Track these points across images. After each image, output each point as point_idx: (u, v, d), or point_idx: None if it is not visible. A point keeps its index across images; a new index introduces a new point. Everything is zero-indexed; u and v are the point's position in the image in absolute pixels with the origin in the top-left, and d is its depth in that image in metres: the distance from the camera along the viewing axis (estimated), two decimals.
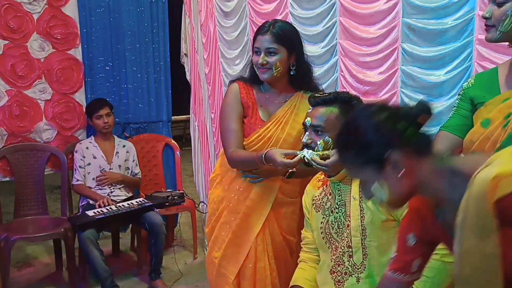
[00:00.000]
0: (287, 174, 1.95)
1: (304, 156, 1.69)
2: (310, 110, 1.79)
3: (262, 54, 1.99)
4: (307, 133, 1.75)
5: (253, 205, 2.07)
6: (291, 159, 1.78)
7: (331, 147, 1.72)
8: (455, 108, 1.59)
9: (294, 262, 2.06)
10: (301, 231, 1.98)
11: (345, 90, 2.56)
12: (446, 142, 1.54)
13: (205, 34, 3.77)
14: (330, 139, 1.71)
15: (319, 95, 1.81)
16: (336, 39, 2.53)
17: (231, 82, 2.19)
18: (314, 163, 1.67)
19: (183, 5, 4.26)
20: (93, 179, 3.46)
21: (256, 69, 2.05)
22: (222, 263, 2.13)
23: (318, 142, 1.72)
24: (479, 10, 1.89)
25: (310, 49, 2.71)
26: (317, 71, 2.70)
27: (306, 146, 1.74)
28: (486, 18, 1.39)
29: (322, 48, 2.64)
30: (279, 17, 2.91)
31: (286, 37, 2.02)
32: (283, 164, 1.81)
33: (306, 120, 1.76)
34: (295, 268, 2.04)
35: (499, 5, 1.35)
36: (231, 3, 3.34)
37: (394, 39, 2.21)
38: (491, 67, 1.74)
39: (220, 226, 2.16)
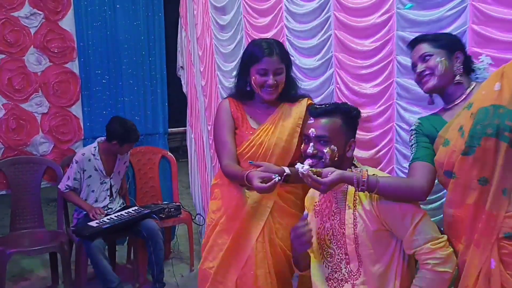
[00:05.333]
0: (283, 178, 1.98)
1: (287, 174, 1.73)
2: (311, 121, 1.81)
3: (272, 76, 2.05)
4: (311, 144, 1.76)
5: (252, 211, 2.09)
6: (286, 173, 1.85)
7: (337, 156, 1.74)
8: (414, 144, 1.74)
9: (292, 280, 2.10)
10: None
11: (340, 102, 2.59)
12: (422, 170, 1.66)
13: (201, 47, 3.80)
14: (335, 147, 1.74)
15: (319, 106, 1.84)
16: (332, 52, 2.56)
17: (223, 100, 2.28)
18: (309, 179, 1.64)
19: (179, 19, 4.30)
20: (93, 191, 3.45)
21: (258, 89, 2.09)
22: (220, 271, 2.12)
23: (325, 151, 1.73)
24: (472, 23, 1.93)
25: (306, 62, 2.75)
26: (313, 83, 2.74)
27: (312, 156, 1.75)
28: (422, 72, 1.72)
29: (317, 60, 2.67)
30: (274, 30, 2.95)
31: (286, 55, 2.14)
32: (258, 188, 1.86)
33: (309, 131, 1.78)
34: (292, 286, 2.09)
35: (427, 59, 1.72)
36: (227, 16, 3.38)
37: (389, 51, 2.25)
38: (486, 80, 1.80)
39: (217, 234, 2.16)
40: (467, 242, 1.54)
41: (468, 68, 1.75)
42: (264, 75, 2.06)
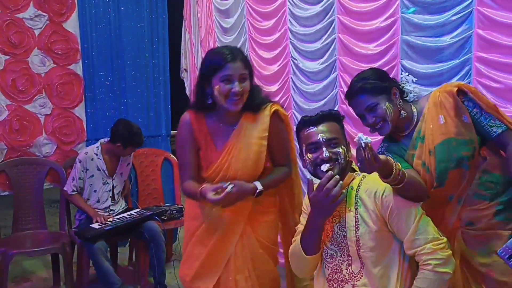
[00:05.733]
0: (256, 194, 1.95)
1: (359, 140, 1.52)
2: (312, 129, 1.78)
3: (237, 82, 1.88)
4: (323, 148, 1.74)
5: (227, 225, 2.03)
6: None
7: (348, 156, 1.75)
8: (393, 159, 1.76)
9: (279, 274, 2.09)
10: (296, 226, 1.96)
11: (344, 106, 2.59)
12: (414, 174, 1.74)
13: (205, 50, 3.81)
14: (345, 147, 1.74)
15: (313, 115, 1.82)
16: (335, 56, 2.57)
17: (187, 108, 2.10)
18: (370, 153, 1.51)
19: (183, 21, 4.32)
20: (95, 191, 3.45)
21: (222, 99, 1.90)
22: (196, 280, 2.07)
23: (340, 151, 1.73)
24: (477, 28, 1.93)
25: (309, 65, 2.76)
26: (316, 86, 2.74)
27: (329, 160, 1.73)
28: (374, 122, 1.77)
29: (321, 64, 2.68)
30: (277, 34, 2.95)
31: (249, 62, 1.98)
32: (212, 201, 1.82)
33: (318, 137, 1.75)
34: (279, 280, 2.09)
35: (374, 109, 1.75)
36: (231, 19, 3.39)
37: (393, 56, 2.25)
38: (490, 84, 1.80)
39: (193, 244, 2.10)
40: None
41: (402, 93, 1.82)
42: (229, 82, 1.88)
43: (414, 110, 1.80)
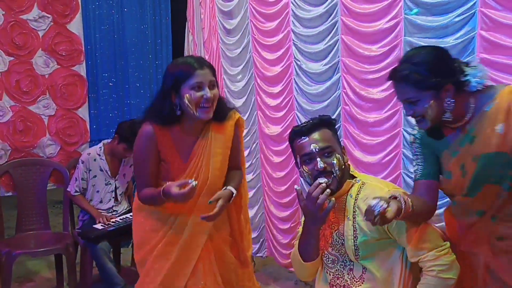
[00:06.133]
0: (231, 199, 1.95)
1: (374, 210, 1.46)
2: (304, 140, 1.74)
3: (207, 89, 1.85)
4: (318, 159, 1.71)
5: (190, 238, 2.01)
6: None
7: (343, 164, 1.72)
8: (420, 156, 1.68)
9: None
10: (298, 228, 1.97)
11: (347, 107, 2.59)
12: (427, 189, 1.66)
13: (208, 51, 3.81)
14: (339, 155, 1.71)
15: (301, 125, 1.80)
16: (339, 57, 2.57)
17: (144, 121, 2.02)
18: (382, 220, 1.47)
19: (186, 23, 4.32)
20: (98, 192, 3.45)
21: (193, 107, 1.85)
22: None
23: (334, 162, 1.69)
24: (480, 29, 1.93)
25: (312, 67, 2.76)
26: (319, 88, 2.74)
27: (324, 171, 1.68)
28: (412, 115, 1.58)
29: (324, 65, 2.68)
30: (280, 35, 2.95)
31: (215, 69, 1.97)
32: (178, 195, 1.80)
33: (310, 148, 1.71)
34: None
35: (414, 103, 1.53)
36: (234, 20, 3.39)
37: (397, 57, 2.25)
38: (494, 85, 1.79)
39: (154, 259, 2.05)
40: (462, 244, 1.67)
41: (461, 86, 1.52)
42: (200, 89, 1.84)
43: (473, 104, 1.53)
